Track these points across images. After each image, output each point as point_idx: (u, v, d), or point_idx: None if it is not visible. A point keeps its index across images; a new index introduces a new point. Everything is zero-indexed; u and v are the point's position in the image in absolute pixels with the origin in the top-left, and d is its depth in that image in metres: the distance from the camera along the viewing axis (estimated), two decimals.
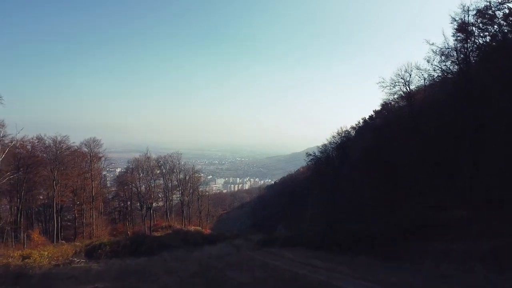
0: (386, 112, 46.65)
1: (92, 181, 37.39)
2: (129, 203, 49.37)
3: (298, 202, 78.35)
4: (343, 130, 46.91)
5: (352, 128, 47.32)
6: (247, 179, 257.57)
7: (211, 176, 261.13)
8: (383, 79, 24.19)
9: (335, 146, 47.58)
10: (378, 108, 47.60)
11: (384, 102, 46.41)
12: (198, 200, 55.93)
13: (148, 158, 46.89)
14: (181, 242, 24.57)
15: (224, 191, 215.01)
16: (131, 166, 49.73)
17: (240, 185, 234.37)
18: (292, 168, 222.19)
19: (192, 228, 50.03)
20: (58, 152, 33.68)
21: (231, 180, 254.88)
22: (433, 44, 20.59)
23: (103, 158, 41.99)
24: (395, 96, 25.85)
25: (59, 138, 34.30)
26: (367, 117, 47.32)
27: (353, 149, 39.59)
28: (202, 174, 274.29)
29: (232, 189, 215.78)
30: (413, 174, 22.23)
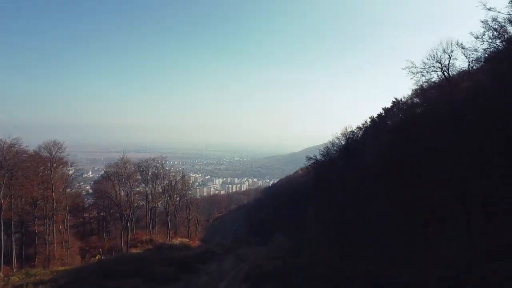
0: (396, 110, 40.31)
1: (53, 191, 30.74)
2: (106, 212, 42.84)
3: (297, 207, 72.07)
4: (348, 130, 40.39)
5: (359, 128, 40.74)
6: (246, 179, 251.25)
7: (209, 176, 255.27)
8: (412, 63, 17.59)
9: (339, 148, 41.07)
10: (385, 105, 41.10)
11: (395, 99, 40.16)
12: (186, 207, 49.26)
13: (125, 163, 40.16)
14: (141, 280, 17.96)
15: (222, 191, 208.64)
16: (108, 171, 43.07)
17: (239, 185, 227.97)
18: (291, 168, 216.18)
19: (178, 240, 43.51)
20: (7, 157, 27.00)
21: (229, 180, 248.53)
22: (490, 9, 14.05)
23: (69, 164, 35.35)
24: (428, 84, 19.00)
25: (8, 141, 27.68)
26: (375, 115, 40.76)
27: (362, 152, 33.09)
28: (200, 175, 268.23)
29: (230, 189, 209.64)
30: (456, 188, 15.80)
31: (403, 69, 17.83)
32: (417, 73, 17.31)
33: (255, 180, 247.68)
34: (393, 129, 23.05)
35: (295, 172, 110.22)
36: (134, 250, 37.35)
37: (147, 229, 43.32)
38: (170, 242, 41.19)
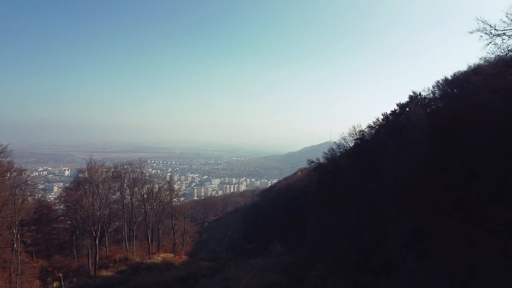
0: (413, 105, 34.06)
1: None
2: (76, 225, 36.34)
3: (295, 213, 65.99)
4: (357, 130, 33.96)
5: (369, 127, 34.30)
6: (243, 179, 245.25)
7: (206, 176, 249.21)
8: (485, 22, 10.87)
9: (345, 150, 34.68)
10: (400, 101, 34.85)
11: (413, 92, 33.91)
12: (172, 217, 42.79)
13: (93, 168, 33.57)
14: None
15: (220, 191, 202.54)
16: (80, 177, 36.62)
17: (236, 186, 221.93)
18: (289, 168, 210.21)
19: (159, 257, 37.07)
20: None
21: (227, 180, 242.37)
22: None
23: (23, 170, 28.75)
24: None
25: None
26: (388, 112, 34.33)
27: (377, 154, 26.69)
28: (197, 174, 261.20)
29: (228, 189, 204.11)
30: None
31: (470, 33, 11.33)
32: (496, 36, 10.72)
33: (253, 180, 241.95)
34: (434, 125, 16.55)
35: (294, 173, 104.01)
36: (104, 273, 30.93)
37: (124, 244, 36.79)
38: (149, 260, 34.77)
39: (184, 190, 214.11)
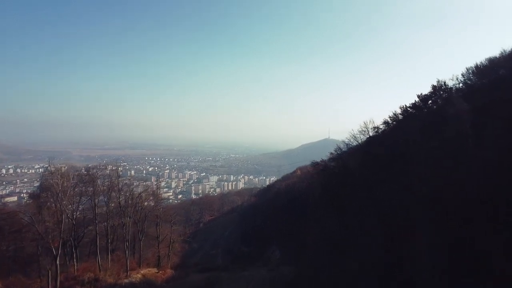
0: (436, 97, 28.25)
1: None
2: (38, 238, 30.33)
3: (294, 214, 60.57)
4: (370, 127, 28.31)
5: (385, 123, 28.45)
6: (241, 176, 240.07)
7: (204, 174, 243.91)
8: None
9: (357, 151, 29.05)
10: (422, 92, 28.82)
11: (438, 81, 27.99)
12: (157, 225, 37.02)
13: (58, 171, 27.67)
14: None
15: (218, 189, 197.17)
16: (44, 183, 30.74)
17: (234, 183, 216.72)
18: (287, 166, 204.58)
19: (139, 274, 31.32)
20: None
21: (225, 177, 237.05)
22: None
23: None
24: None
25: None
26: (408, 104, 28.34)
27: (404, 157, 21.01)
28: (195, 172, 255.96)
29: (226, 187, 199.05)
30: None
31: None
32: None
33: (251, 177, 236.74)
34: None
35: (293, 172, 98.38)
36: None
37: (97, 260, 30.94)
38: (125, 280, 29.05)
39: (181, 187, 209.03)
